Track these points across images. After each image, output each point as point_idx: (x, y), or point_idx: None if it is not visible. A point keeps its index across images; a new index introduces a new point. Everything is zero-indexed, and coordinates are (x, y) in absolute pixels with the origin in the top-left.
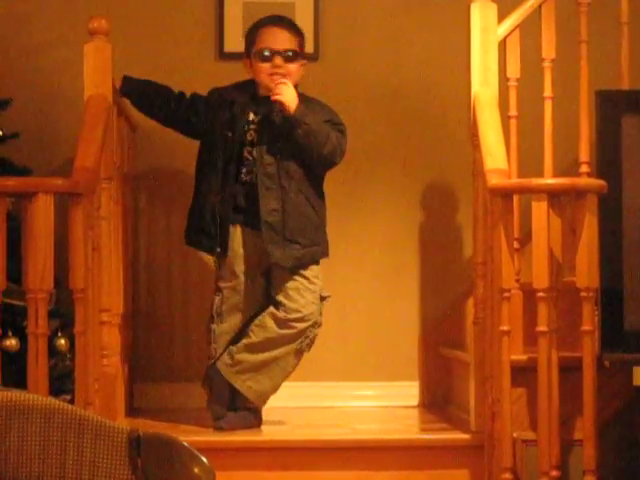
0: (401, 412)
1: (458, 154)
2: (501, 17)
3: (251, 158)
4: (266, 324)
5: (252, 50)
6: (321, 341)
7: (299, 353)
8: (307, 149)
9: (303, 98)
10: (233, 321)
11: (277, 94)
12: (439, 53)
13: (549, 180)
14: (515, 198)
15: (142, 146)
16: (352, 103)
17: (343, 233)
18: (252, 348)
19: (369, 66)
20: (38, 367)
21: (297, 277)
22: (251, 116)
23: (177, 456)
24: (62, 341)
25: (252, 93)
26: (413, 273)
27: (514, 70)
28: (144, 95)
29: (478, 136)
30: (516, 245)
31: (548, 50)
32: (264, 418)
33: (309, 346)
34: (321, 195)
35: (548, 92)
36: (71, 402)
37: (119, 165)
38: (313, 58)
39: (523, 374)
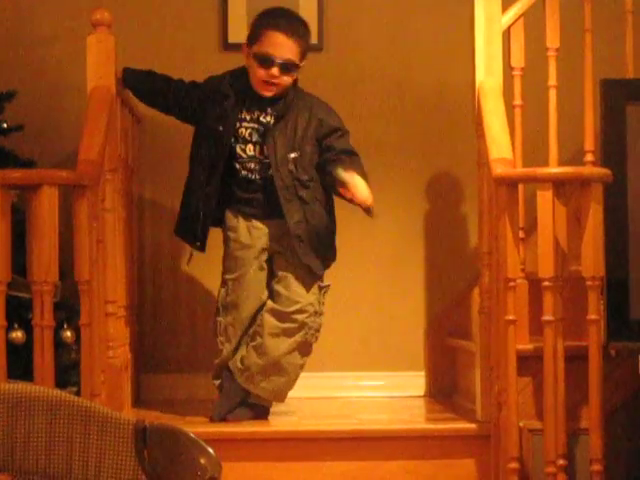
0: (407, 402)
1: (463, 144)
2: (505, 6)
3: (245, 156)
4: (266, 322)
5: (252, 48)
6: (327, 331)
7: (306, 345)
8: None
9: (307, 97)
10: (239, 313)
11: (366, 201)
12: (443, 43)
13: (554, 169)
14: (520, 187)
15: (147, 137)
16: (357, 94)
17: (348, 223)
18: (258, 350)
19: (373, 56)
20: (44, 359)
21: (299, 267)
22: (244, 113)
23: (184, 447)
24: (68, 333)
25: (246, 87)
26: (419, 263)
27: (518, 59)
28: (144, 85)
29: (483, 125)
30: (521, 234)
31: (552, 39)
32: (271, 409)
33: (314, 336)
34: (332, 198)
35: (552, 81)
36: (77, 394)
37: (123, 157)
38: (317, 49)
39: (529, 363)
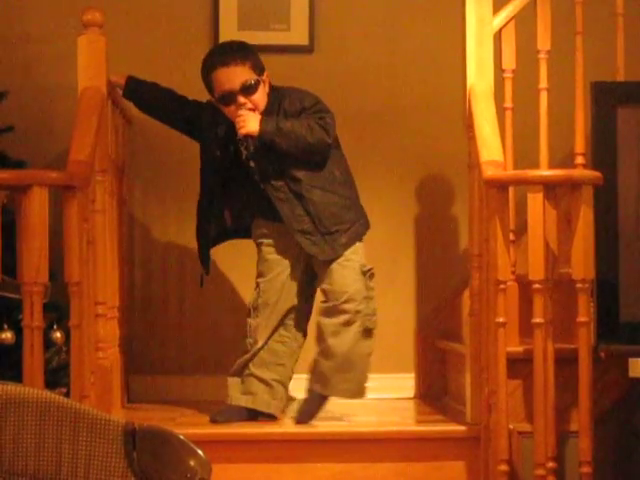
0: (397, 404)
1: (454, 146)
2: (496, 8)
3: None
4: (323, 325)
5: (215, 97)
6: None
7: (367, 332)
8: (294, 148)
9: (276, 92)
10: (269, 314)
11: (240, 128)
12: (434, 45)
13: (545, 172)
14: (511, 190)
15: (137, 138)
16: (347, 95)
17: None
18: (326, 353)
19: (364, 59)
20: (33, 360)
21: (334, 259)
22: (238, 135)
23: (173, 449)
24: (57, 334)
25: None
26: (409, 265)
27: (509, 62)
28: (147, 99)
29: (473, 128)
30: (512, 237)
31: (543, 42)
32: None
33: (372, 321)
34: (339, 175)
35: (543, 84)
36: (67, 395)
37: (114, 158)
38: (308, 50)
39: (519, 366)
